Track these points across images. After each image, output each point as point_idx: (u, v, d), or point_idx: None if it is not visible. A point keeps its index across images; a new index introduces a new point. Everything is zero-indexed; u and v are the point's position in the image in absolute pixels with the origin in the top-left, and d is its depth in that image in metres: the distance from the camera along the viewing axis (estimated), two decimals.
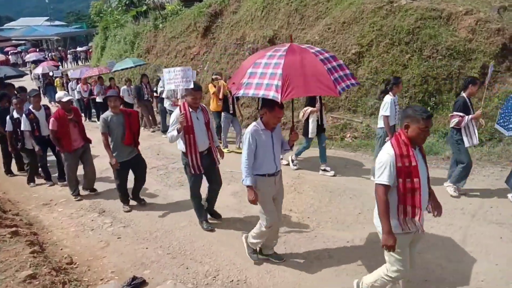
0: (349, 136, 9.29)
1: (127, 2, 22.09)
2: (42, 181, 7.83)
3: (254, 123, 4.13)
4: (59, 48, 47.59)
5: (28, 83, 20.87)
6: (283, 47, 3.95)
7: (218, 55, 13.84)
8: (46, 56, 30.96)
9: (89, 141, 6.93)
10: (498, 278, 4.06)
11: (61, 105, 6.59)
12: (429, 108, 8.76)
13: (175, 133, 4.85)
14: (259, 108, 7.36)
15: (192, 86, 5.01)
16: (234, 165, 6.61)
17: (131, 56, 18.66)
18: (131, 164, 6.01)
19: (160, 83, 10.84)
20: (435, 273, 4.20)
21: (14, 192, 7.53)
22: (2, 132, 7.90)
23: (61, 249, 5.13)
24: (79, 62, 34.69)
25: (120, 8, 23.22)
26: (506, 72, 8.55)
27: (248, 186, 4.04)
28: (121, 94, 12.48)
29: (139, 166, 6.14)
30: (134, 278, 4.25)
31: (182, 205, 6.24)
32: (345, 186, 6.66)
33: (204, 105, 5.26)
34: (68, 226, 5.82)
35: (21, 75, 17.43)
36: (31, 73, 24.56)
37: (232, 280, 4.24)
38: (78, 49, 38.87)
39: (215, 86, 9.06)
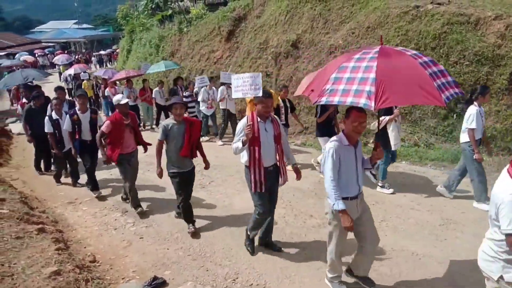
0: (373, 142, 9.17)
1: (153, 6, 22.45)
2: (68, 180, 8.02)
3: (335, 137, 3.69)
4: (83, 50, 48.73)
5: (56, 84, 21.43)
6: (373, 49, 3.50)
7: (241, 59, 13.92)
8: (73, 59, 31.65)
9: (146, 143, 6.49)
10: None
11: (118, 109, 6.13)
12: (454, 116, 8.61)
13: (240, 145, 4.38)
14: (316, 115, 7.21)
15: (261, 93, 4.50)
16: None
17: (155, 60, 18.94)
18: (186, 176, 5.47)
19: (196, 86, 10.83)
20: (457, 283, 4.11)
21: (42, 190, 7.74)
22: (30, 140, 8.34)
23: (85, 247, 5.24)
24: (103, 65, 35.47)
25: (146, 12, 23.63)
26: None
27: (341, 211, 3.51)
28: (153, 96, 12.46)
29: (190, 181, 5.59)
30: (155, 278, 4.31)
31: (203, 207, 6.30)
32: (368, 193, 6.55)
33: (275, 116, 4.76)
34: (92, 225, 5.95)
35: (46, 76, 17.70)
36: (60, 75, 25.08)
37: (251, 284, 4.24)
38: (102, 52, 39.62)
39: None
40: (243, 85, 4.71)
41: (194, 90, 11.22)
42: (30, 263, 4.10)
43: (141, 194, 6.86)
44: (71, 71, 19.06)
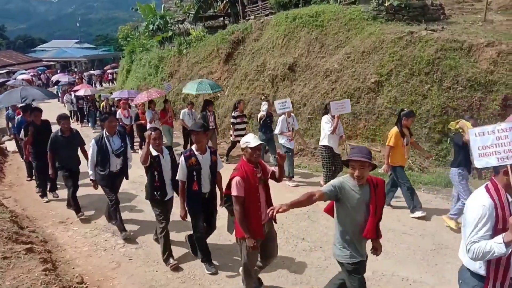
0: None
1: (153, 28, 22.79)
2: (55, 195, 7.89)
3: None
4: (75, 70, 48.51)
5: (54, 104, 21.45)
6: None
7: (239, 81, 14.07)
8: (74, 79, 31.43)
9: (274, 217, 3.82)
10: None
11: (248, 155, 3.99)
12: (448, 140, 8.65)
13: (497, 249, 2.49)
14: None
15: None
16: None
17: (154, 80, 19.08)
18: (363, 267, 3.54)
19: (277, 111, 8.35)
20: None
21: (33, 209, 7.66)
22: (52, 174, 7.20)
23: (73, 268, 5.18)
24: (93, 86, 35.23)
25: (146, 33, 23.97)
26: None
27: None
28: (181, 118, 11.10)
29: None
30: None
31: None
32: None
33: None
34: (81, 245, 5.89)
35: (50, 97, 16.46)
36: (58, 95, 23.73)
37: None
38: (92, 72, 38.91)
39: (404, 133, 6.42)
40: (497, 143, 2.80)
41: (260, 114, 9.27)
42: (15, 284, 4.04)
43: (127, 215, 6.77)
44: (81, 92, 17.44)
